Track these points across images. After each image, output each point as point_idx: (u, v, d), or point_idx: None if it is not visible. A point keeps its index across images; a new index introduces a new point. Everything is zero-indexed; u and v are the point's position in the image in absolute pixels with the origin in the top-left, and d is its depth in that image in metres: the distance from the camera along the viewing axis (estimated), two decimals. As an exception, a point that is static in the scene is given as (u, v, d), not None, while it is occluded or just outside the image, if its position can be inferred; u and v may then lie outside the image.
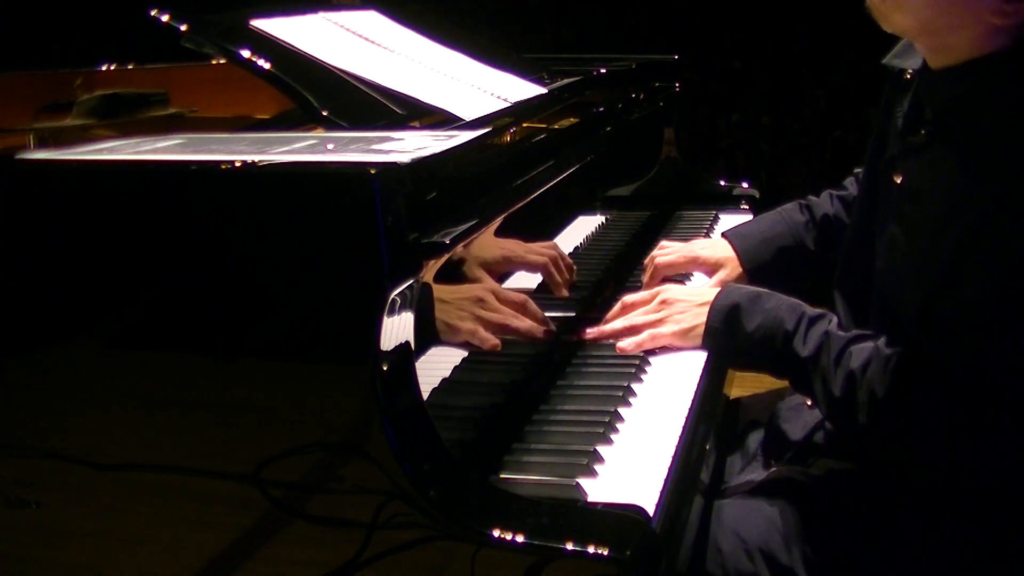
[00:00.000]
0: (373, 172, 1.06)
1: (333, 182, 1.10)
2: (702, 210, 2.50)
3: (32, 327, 1.23)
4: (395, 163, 1.10)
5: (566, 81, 2.03)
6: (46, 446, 1.23)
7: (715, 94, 4.66)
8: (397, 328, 1.10)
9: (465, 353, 1.37)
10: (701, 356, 1.57)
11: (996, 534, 1.35)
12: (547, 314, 1.53)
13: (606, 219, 2.10)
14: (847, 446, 1.52)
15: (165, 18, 1.52)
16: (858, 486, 1.45)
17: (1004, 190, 1.25)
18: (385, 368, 1.08)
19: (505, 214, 1.40)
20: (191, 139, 1.36)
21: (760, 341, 1.49)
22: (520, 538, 1.05)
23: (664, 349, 1.59)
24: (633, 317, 1.64)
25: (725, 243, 1.90)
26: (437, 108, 1.54)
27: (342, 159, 1.17)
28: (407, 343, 1.12)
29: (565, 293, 1.67)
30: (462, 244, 1.26)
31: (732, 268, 1.86)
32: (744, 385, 2.04)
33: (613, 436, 1.33)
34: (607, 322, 1.67)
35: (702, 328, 1.57)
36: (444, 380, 1.31)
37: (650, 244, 2.16)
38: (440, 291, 1.30)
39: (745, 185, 2.61)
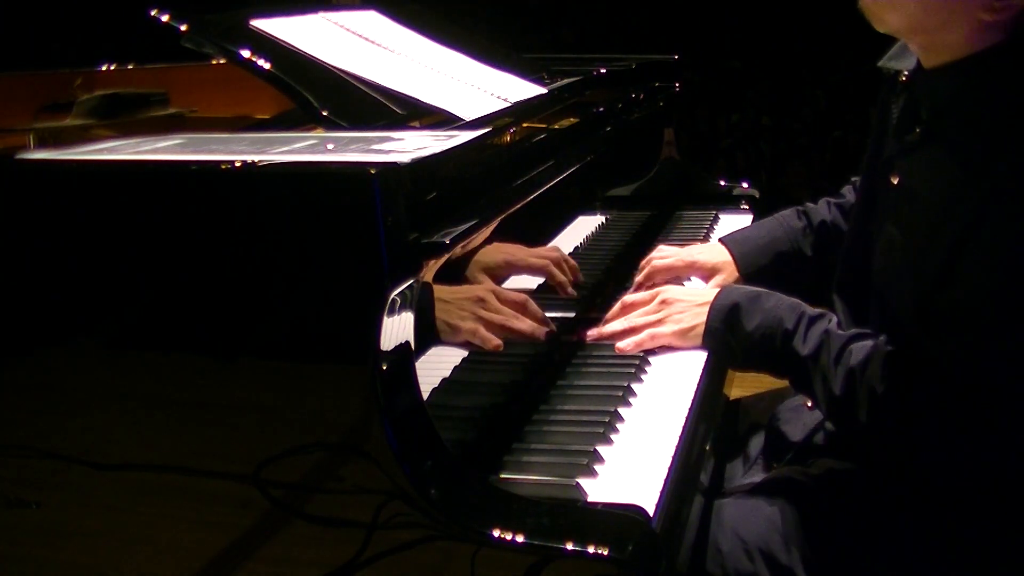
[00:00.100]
0: (373, 172, 1.06)
1: (333, 182, 1.10)
2: (702, 210, 2.50)
3: (32, 327, 1.23)
4: (395, 163, 1.10)
5: (566, 81, 2.03)
6: (46, 446, 1.23)
7: (715, 94, 4.67)
8: (397, 328, 1.10)
9: (465, 353, 1.37)
10: (701, 356, 1.57)
11: (996, 533, 1.35)
12: (547, 314, 1.53)
13: (606, 219, 2.10)
14: (847, 446, 1.52)
15: (165, 18, 1.52)
16: (858, 486, 1.45)
17: (998, 186, 1.26)
18: (385, 368, 1.08)
19: (505, 214, 1.40)
20: (191, 139, 1.36)
21: (760, 340, 1.49)
22: (520, 538, 1.05)
23: (664, 349, 1.59)
24: (633, 318, 1.64)
25: (722, 248, 1.90)
26: (437, 108, 1.54)
27: (342, 159, 1.17)
28: (407, 343, 1.12)
29: (572, 292, 1.67)
30: (462, 244, 1.26)
31: (729, 273, 1.85)
32: (744, 385, 2.04)
33: (613, 436, 1.33)
34: (607, 322, 1.67)
35: (702, 328, 1.57)
36: (444, 380, 1.31)
37: (650, 244, 2.16)
38: (440, 291, 1.30)
39: (745, 185, 2.61)
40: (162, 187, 1.17)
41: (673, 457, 1.28)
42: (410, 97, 1.54)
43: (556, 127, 1.84)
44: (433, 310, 1.32)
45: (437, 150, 1.18)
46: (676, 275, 1.87)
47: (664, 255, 1.89)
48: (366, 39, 1.76)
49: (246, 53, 1.48)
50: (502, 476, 1.22)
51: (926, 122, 1.40)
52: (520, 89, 1.80)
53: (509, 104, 1.68)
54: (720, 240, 1.93)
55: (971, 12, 1.29)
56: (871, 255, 1.49)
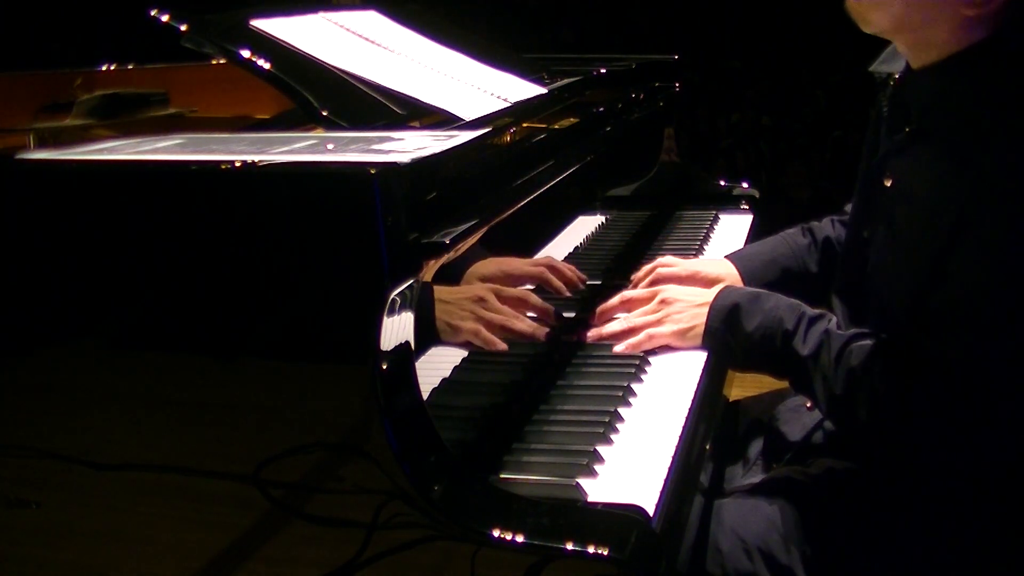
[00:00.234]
0: (373, 172, 1.06)
1: (333, 182, 1.10)
2: (702, 210, 2.49)
3: (32, 327, 1.23)
4: (395, 163, 1.10)
5: (566, 81, 2.03)
6: (46, 446, 1.23)
7: (715, 94, 4.67)
8: (397, 328, 1.10)
9: (465, 353, 1.37)
10: (701, 356, 1.57)
11: (995, 532, 1.35)
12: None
13: (606, 219, 2.10)
14: (846, 446, 1.52)
15: (165, 18, 1.52)
16: (857, 485, 1.45)
17: (985, 181, 1.27)
18: (385, 368, 1.08)
19: (505, 214, 1.40)
20: (191, 139, 1.36)
21: (760, 341, 1.49)
22: (520, 538, 1.05)
23: (664, 349, 1.59)
24: (632, 317, 1.64)
25: (727, 263, 1.89)
26: (437, 108, 1.54)
27: (342, 159, 1.17)
28: (407, 343, 1.12)
29: (580, 285, 1.67)
30: (462, 244, 1.26)
31: (731, 283, 1.84)
32: (744, 386, 2.04)
33: (613, 436, 1.33)
34: (605, 312, 1.67)
35: (701, 328, 1.57)
36: (444, 380, 1.31)
37: (650, 244, 2.17)
38: (440, 291, 1.30)
39: (745, 185, 2.61)
40: (162, 187, 1.17)
41: (673, 457, 1.28)
42: (410, 97, 1.54)
43: (556, 127, 1.84)
44: (433, 310, 1.32)
45: (437, 150, 1.18)
46: (679, 283, 1.86)
47: (670, 264, 1.88)
48: (366, 39, 1.76)
49: (246, 53, 1.48)
50: (502, 476, 1.22)
51: (915, 122, 1.41)
52: (520, 89, 1.80)
53: (509, 104, 1.68)
54: (726, 256, 1.92)
55: (954, 8, 1.31)
56: (867, 258, 1.49)
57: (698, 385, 1.49)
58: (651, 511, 1.14)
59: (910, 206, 1.39)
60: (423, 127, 1.48)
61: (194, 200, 1.16)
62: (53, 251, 1.20)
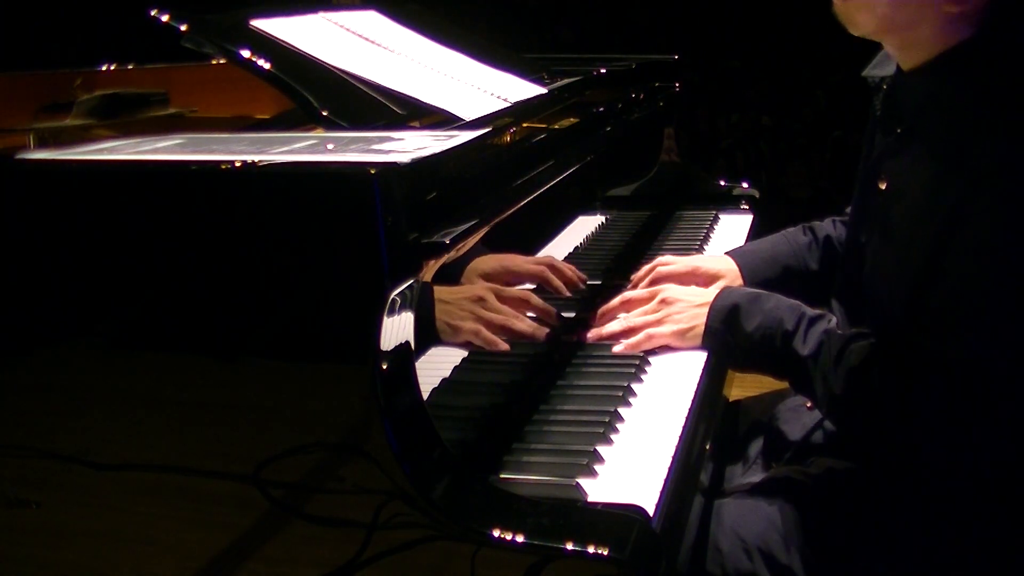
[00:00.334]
0: (373, 172, 1.06)
1: (333, 182, 1.10)
2: (702, 210, 2.49)
3: (32, 327, 1.23)
4: (395, 163, 1.10)
5: (566, 81, 2.03)
6: (46, 446, 1.23)
7: (715, 94, 4.67)
8: (397, 328, 1.10)
9: (465, 353, 1.37)
10: (701, 356, 1.57)
11: (994, 532, 1.35)
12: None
13: (606, 219, 2.10)
14: (845, 446, 1.53)
15: (165, 18, 1.52)
16: (856, 485, 1.46)
17: (976, 178, 1.28)
18: (385, 368, 1.08)
19: (505, 214, 1.40)
20: (191, 139, 1.36)
21: (760, 341, 1.49)
22: (520, 538, 1.05)
23: (664, 349, 1.59)
24: (632, 317, 1.64)
25: (727, 259, 1.89)
26: (437, 108, 1.54)
27: (342, 159, 1.17)
28: (407, 343, 1.12)
29: (580, 285, 1.67)
30: (462, 244, 1.26)
31: (731, 279, 1.84)
32: (744, 386, 2.04)
33: (613, 436, 1.33)
34: (605, 313, 1.67)
35: (701, 328, 1.57)
36: (444, 380, 1.31)
37: (650, 244, 2.17)
38: (440, 291, 1.30)
39: (745, 185, 2.61)
40: (162, 187, 1.17)
41: (673, 457, 1.28)
42: (410, 97, 1.54)
43: (556, 127, 1.84)
44: (433, 310, 1.32)
45: (437, 150, 1.18)
46: (679, 281, 1.86)
47: (669, 262, 1.88)
48: (366, 39, 1.76)
49: (246, 53, 1.48)
50: (502, 476, 1.22)
51: (907, 122, 1.41)
52: (520, 89, 1.80)
53: (509, 104, 1.68)
54: (727, 253, 1.92)
55: (937, 6, 1.32)
56: (865, 261, 1.50)
57: (698, 385, 1.49)
58: (651, 511, 1.14)
59: (905, 207, 1.39)
60: (423, 127, 1.48)
61: (194, 200, 1.16)
62: (53, 251, 1.20)
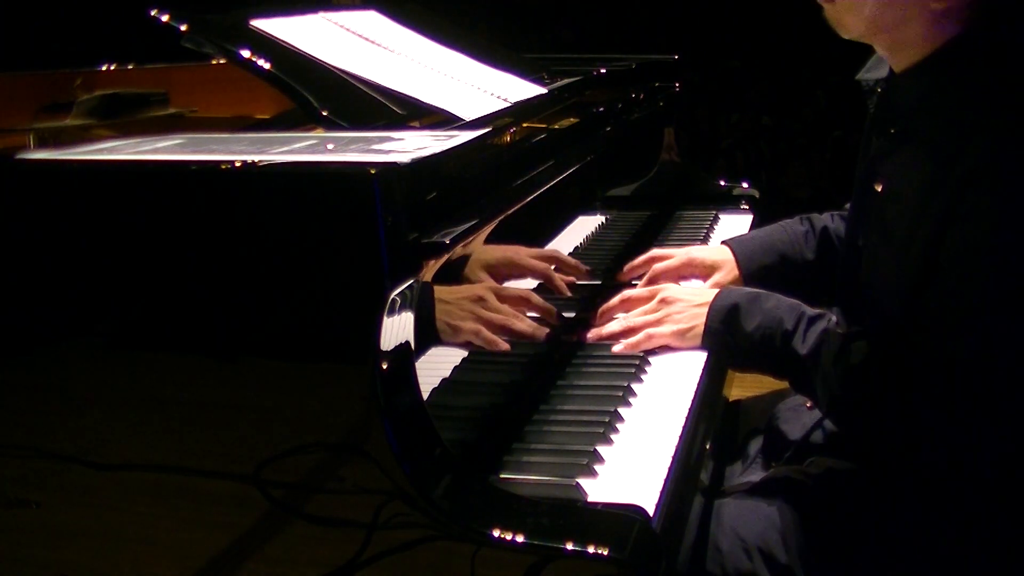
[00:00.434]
0: (373, 172, 1.06)
1: (333, 182, 1.10)
2: (702, 210, 2.49)
3: (32, 327, 1.23)
4: (395, 163, 1.10)
5: (566, 81, 2.03)
6: (46, 446, 1.23)
7: (715, 94, 4.66)
8: (397, 328, 1.10)
9: (465, 353, 1.37)
10: (701, 356, 1.57)
11: (995, 531, 1.35)
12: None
13: (606, 219, 2.10)
14: (845, 445, 1.53)
15: (165, 18, 1.52)
16: (856, 485, 1.46)
17: (969, 175, 1.28)
18: (385, 368, 1.08)
19: (505, 214, 1.40)
20: (191, 139, 1.36)
21: (759, 341, 1.49)
22: (520, 538, 1.05)
23: (664, 349, 1.59)
24: (631, 317, 1.64)
25: (723, 248, 1.89)
26: (437, 108, 1.54)
27: (342, 159, 1.17)
28: (407, 343, 1.12)
29: (570, 294, 1.67)
30: (462, 244, 1.26)
31: (728, 271, 1.84)
32: (744, 386, 2.04)
33: (613, 436, 1.33)
34: (605, 312, 1.67)
35: (700, 328, 1.57)
36: (444, 380, 1.31)
37: (650, 244, 2.16)
38: (440, 291, 1.30)
39: (745, 185, 2.61)
40: (162, 187, 1.17)
41: (673, 457, 1.28)
42: (410, 97, 1.54)
43: (556, 127, 1.84)
44: (433, 310, 1.32)
45: (437, 150, 1.18)
46: (677, 274, 1.86)
47: (664, 256, 1.88)
48: (366, 39, 1.76)
49: (246, 53, 1.48)
50: (502, 476, 1.22)
51: (900, 124, 1.42)
52: (520, 89, 1.80)
53: (509, 104, 1.68)
54: (723, 242, 1.93)
55: (923, 3, 1.33)
56: (861, 264, 1.50)
57: (698, 385, 1.49)
58: (651, 511, 1.14)
59: (900, 208, 1.40)
60: (423, 127, 1.48)
61: (194, 200, 1.16)
62: (53, 251, 1.20)
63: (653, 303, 1.64)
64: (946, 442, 1.32)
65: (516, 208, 1.44)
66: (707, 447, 1.41)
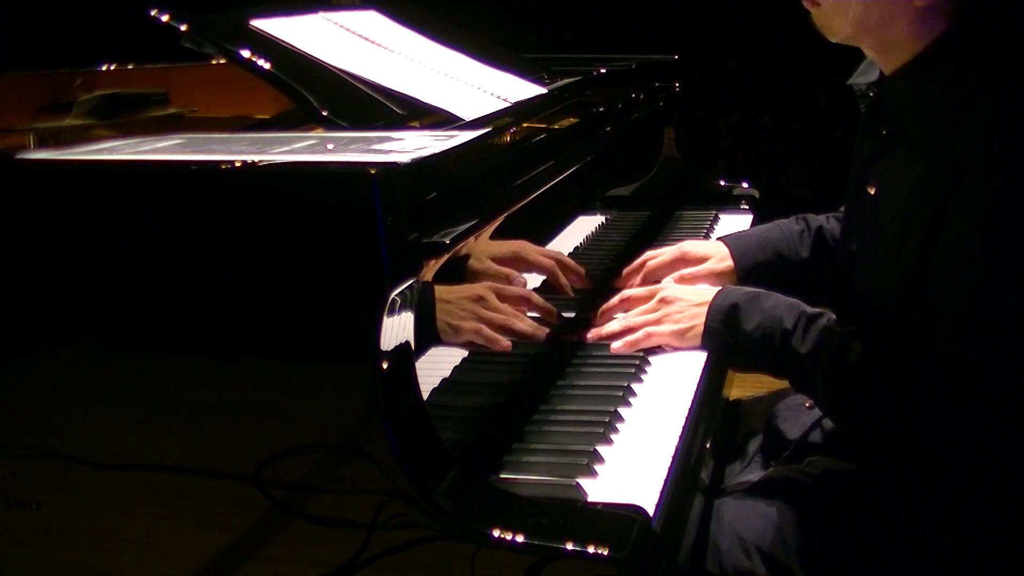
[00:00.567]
0: (373, 172, 1.06)
1: (333, 182, 1.10)
2: (702, 210, 2.49)
3: (32, 327, 1.23)
4: (395, 163, 1.10)
5: (566, 81, 2.03)
6: (46, 446, 1.23)
7: (715, 94, 4.67)
8: (397, 328, 1.10)
9: (465, 353, 1.37)
10: (701, 356, 1.57)
11: (994, 531, 1.35)
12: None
13: (606, 219, 2.10)
14: (843, 445, 1.53)
15: (165, 18, 1.52)
16: (854, 485, 1.46)
17: (959, 171, 1.29)
18: (385, 368, 1.08)
19: (505, 214, 1.41)
20: (191, 139, 1.36)
21: (759, 340, 1.49)
22: (520, 538, 1.05)
23: (664, 349, 1.59)
24: (631, 317, 1.64)
25: (719, 244, 1.89)
26: (437, 108, 1.54)
27: (342, 159, 1.17)
28: (407, 343, 1.12)
29: (572, 295, 1.67)
30: (462, 244, 1.26)
31: (718, 259, 1.83)
32: (744, 386, 2.04)
33: (613, 436, 1.33)
34: (605, 312, 1.67)
35: (699, 328, 1.57)
36: (444, 380, 1.31)
37: (650, 244, 2.16)
38: (441, 291, 1.30)
39: (745, 185, 2.61)
40: (162, 187, 1.17)
41: (673, 457, 1.28)
42: (410, 97, 1.54)
43: (556, 127, 1.84)
44: (434, 310, 1.32)
45: (437, 150, 1.18)
46: (670, 269, 1.86)
47: (657, 254, 1.88)
48: (366, 39, 1.76)
49: (246, 53, 1.48)
50: (502, 476, 1.22)
51: (891, 125, 1.42)
52: (520, 89, 1.80)
53: (509, 104, 1.68)
54: (719, 238, 1.93)
55: (906, 1, 1.33)
56: (856, 267, 1.50)
57: (698, 385, 1.49)
58: (651, 511, 1.14)
59: (893, 208, 1.40)
60: (423, 127, 1.48)
61: (194, 200, 1.16)
62: (53, 251, 1.20)
63: (652, 303, 1.64)
64: (945, 440, 1.32)
65: (516, 208, 1.44)
66: (707, 447, 1.41)
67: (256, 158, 1.15)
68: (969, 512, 1.35)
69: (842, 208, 1.90)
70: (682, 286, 1.75)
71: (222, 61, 1.57)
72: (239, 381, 1.16)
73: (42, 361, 1.23)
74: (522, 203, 1.46)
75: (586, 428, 1.34)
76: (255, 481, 1.14)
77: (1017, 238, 1.26)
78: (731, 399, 1.91)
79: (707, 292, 1.60)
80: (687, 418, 1.39)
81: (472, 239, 1.30)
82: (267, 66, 1.48)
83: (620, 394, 1.44)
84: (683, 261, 1.84)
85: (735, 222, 2.43)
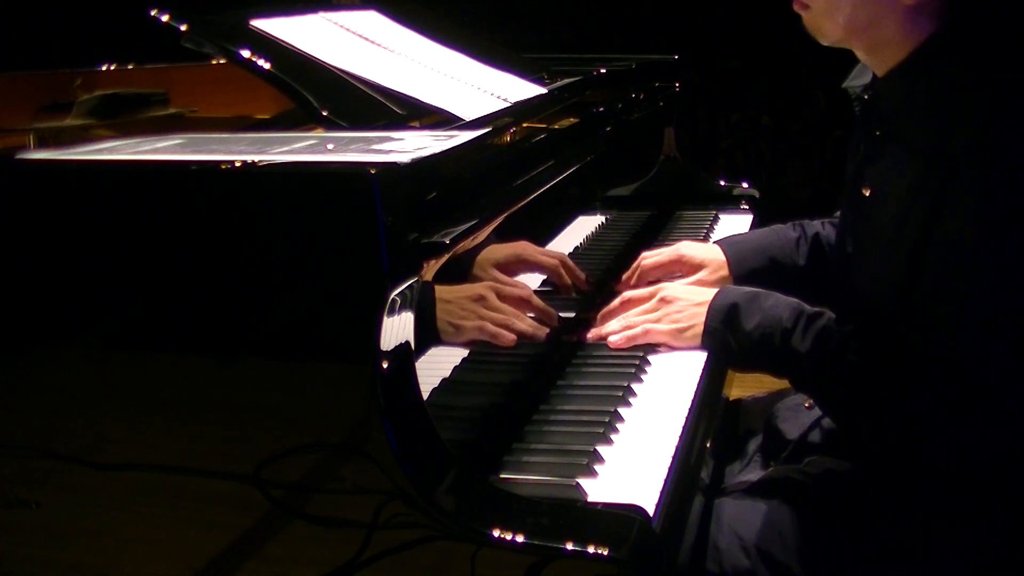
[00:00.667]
0: (373, 172, 1.06)
1: (333, 182, 1.10)
2: (702, 210, 2.49)
3: (32, 327, 1.23)
4: (395, 163, 1.10)
5: (566, 81, 2.03)
6: (46, 446, 1.23)
7: (715, 94, 4.66)
8: (397, 328, 1.10)
9: (465, 353, 1.37)
10: (701, 356, 1.57)
11: (994, 530, 1.35)
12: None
13: (606, 219, 2.10)
14: (842, 444, 1.53)
15: (165, 18, 1.52)
16: (854, 484, 1.46)
17: (952, 169, 1.29)
18: (385, 368, 1.08)
19: (505, 214, 1.40)
20: (191, 139, 1.36)
21: (759, 340, 1.49)
22: (520, 538, 1.05)
23: (664, 349, 1.59)
24: (630, 316, 1.64)
25: (715, 247, 1.89)
26: (437, 108, 1.54)
27: (342, 159, 1.17)
28: (407, 343, 1.12)
29: (574, 295, 1.67)
30: (462, 244, 1.26)
31: (714, 269, 1.84)
32: (744, 386, 2.04)
33: (613, 436, 1.33)
34: (606, 316, 1.67)
35: (698, 328, 1.57)
36: (444, 380, 1.31)
37: (650, 244, 2.17)
38: (441, 291, 1.30)
39: (745, 185, 2.61)
40: (162, 187, 1.17)
41: (673, 457, 1.28)
42: (410, 97, 1.54)
43: (556, 127, 1.84)
44: (434, 310, 1.32)
45: (437, 150, 1.18)
46: (665, 270, 1.86)
47: (653, 254, 1.88)
48: (366, 39, 1.76)
49: (246, 53, 1.48)
50: (502, 476, 1.22)
51: (884, 126, 1.43)
52: (520, 89, 1.80)
53: (509, 104, 1.68)
54: (715, 242, 1.93)
55: (894, 0, 1.34)
56: (851, 269, 1.51)
57: (698, 385, 1.49)
58: (651, 511, 1.14)
59: (887, 209, 1.40)
60: (423, 127, 1.48)
61: (194, 200, 1.16)
62: (53, 251, 1.20)
63: (652, 302, 1.64)
64: (944, 438, 1.32)
65: (516, 208, 1.44)
66: (707, 446, 1.41)
67: (256, 158, 1.15)
68: (968, 511, 1.36)
69: (837, 213, 1.91)
70: (682, 286, 1.75)
71: (222, 61, 1.57)
72: (239, 381, 1.16)
73: (42, 361, 1.23)
74: (522, 203, 1.46)
75: (586, 428, 1.34)
76: (255, 481, 1.14)
77: (1010, 235, 1.26)
78: (731, 399, 1.91)
79: (707, 292, 1.60)
80: (687, 418, 1.39)
81: (472, 239, 1.30)
82: (267, 66, 1.48)
83: (620, 394, 1.44)
84: (680, 263, 1.84)
85: (735, 222, 2.43)
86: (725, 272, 1.82)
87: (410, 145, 1.20)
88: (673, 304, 1.61)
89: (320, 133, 1.42)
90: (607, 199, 2.17)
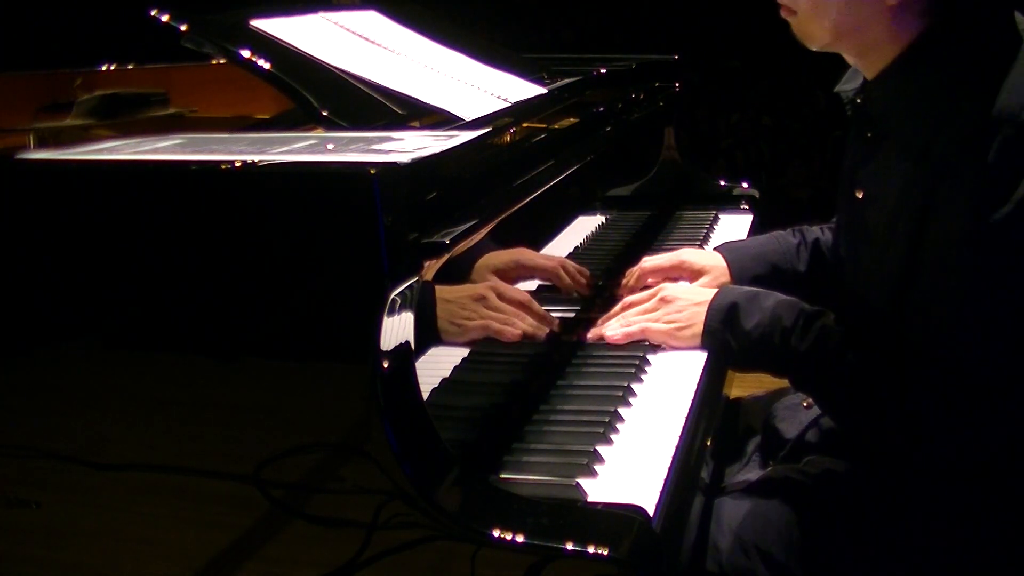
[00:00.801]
0: (373, 172, 1.06)
1: (333, 182, 1.10)
2: (702, 210, 2.50)
3: (32, 327, 1.23)
4: (395, 163, 1.10)
5: (566, 81, 2.03)
6: (46, 446, 1.23)
7: (715, 94, 4.66)
8: (397, 328, 1.10)
9: (465, 353, 1.37)
10: (701, 356, 1.57)
11: (994, 530, 1.35)
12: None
13: (606, 219, 2.10)
14: (840, 443, 1.53)
15: (165, 18, 1.52)
16: (853, 484, 1.46)
17: (941, 168, 1.29)
18: (385, 368, 1.08)
19: (505, 214, 1.40)
20: (191, 139, 1.36)
21: (759, 339, 1.49)
22: (520, 538, 1.05)
23: (664, 349, 1.59)
24: (630, 316, 1.64)
25: (715, 254, 1.89)
26: (437, 108, 1.54)
27: (342, 159, 1.17)
28: (407, 343, 1.12)
29: (587, 290, 1.68)
30: (462, 244, 1.26)
31: (715, 276, 1.84)
32: (744, 385, 2.04)
33: (613, 436, 1.33)
34: (607, 320, 1.67)
35: (698, 328, 1.57)
36: (444, 380, 1.31)
37: (650, 244, 2.17)
38: (442, 291, 1.30)
39: (745, 185, 2.61)
40: (162, 187, 1.17)
41: (673, 457, 1.28)
42: (410, 97, 1.54)
43: (556, 127, 1.84)
44: (435, 310, 1.32)
45: (437, 150, 1.18)
46: (665, 276, 1.86)
47: (655, 258, 1.88)
48: (366, 39, 1.76)
49: (246, 53, 1.48)
50: (502, 476, 1.22)
51: (875, 128, 1.43)
52: (520, 89, 1.80)
53: (509, 104, 1.68)
54: (715, 248, 1.93)
55: (878, 1, 1.34)
56: (847, 272, 1.51)
57: (698, 385, 1.49)
58: (651, 511, 1.14)
59: (880, 211, 1.41)
60: (423, 127, 1.48)
61: (194, 200, 1.16)
62: (53, 251, 1.20)
63: (652, 302, 1.64)
64: (943, 436, 1.32)
65: (516, 208, 1.44)
66: (707, 446, 1.41)
67: (256, 158, 1.15)
68: (968, 510, 1.36)
69: (835, 218, 1.91)
70: (682, 287, 1.75)
71: (222, 61, 1.57)
72: (239, 381, 1.16)
73: (42, 361, 1.23)
74: (522, 203, 1.46)
75: (586, 428, 1.34)
76: (255, 481, 1.14)
77: (1000, 234, 1.26)
78: (731, 398, 1.91)
79: (707, 291, 1.61)
80: (687, 418, 1.39)
81: (472, 239, 1.30)
82: (267, 66, 1.48)
83: (620, 394, 1.44)
84: (681, 269, 1.84)
85: (735, 222, 2.43)
86: (726, 278, 1.83)
87: (410, 145, 1.20)
88: (673, 304, 1.61)
89: (320, 133, 1.42)
90: (607, 199, 2.17)
